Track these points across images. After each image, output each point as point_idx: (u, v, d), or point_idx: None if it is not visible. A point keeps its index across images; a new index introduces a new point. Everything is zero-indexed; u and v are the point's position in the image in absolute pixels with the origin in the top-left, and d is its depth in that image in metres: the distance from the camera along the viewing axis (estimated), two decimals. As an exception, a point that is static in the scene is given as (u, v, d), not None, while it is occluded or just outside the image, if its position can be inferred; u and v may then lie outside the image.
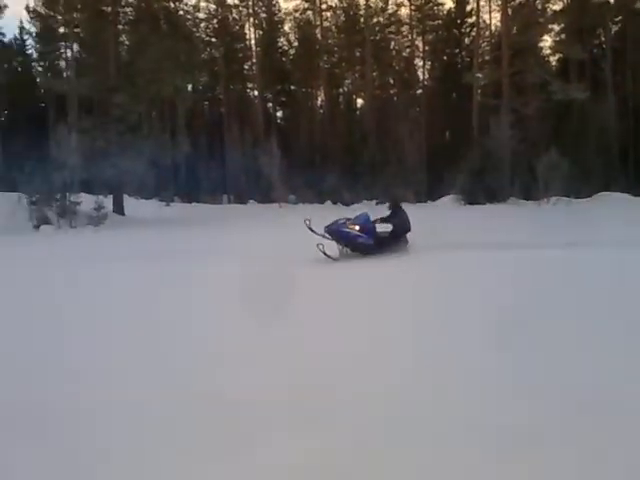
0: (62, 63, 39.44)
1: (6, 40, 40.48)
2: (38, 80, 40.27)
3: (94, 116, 25.90)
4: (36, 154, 21.55)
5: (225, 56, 40.53)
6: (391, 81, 43.41)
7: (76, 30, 33.57)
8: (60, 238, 17.91)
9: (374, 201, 31.35)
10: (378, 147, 33.93)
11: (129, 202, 25.93)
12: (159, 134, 30.12)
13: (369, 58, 39.04)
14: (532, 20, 31.29)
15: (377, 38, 41.02)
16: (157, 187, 30.69)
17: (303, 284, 7.04)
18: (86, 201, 22.21)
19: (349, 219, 10.10)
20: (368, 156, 33.00)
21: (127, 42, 29.57)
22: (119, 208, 24.61)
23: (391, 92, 43.41)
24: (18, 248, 15.03)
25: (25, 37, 41.52)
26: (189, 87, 37.39)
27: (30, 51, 42.21)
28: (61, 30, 36.69)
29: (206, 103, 44.64)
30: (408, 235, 10.70)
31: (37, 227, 20.64)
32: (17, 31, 41.69)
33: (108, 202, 23.82)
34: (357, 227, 9.94)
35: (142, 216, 23.83)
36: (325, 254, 9.60)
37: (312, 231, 9.85)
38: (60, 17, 35.84)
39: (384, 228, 10.51)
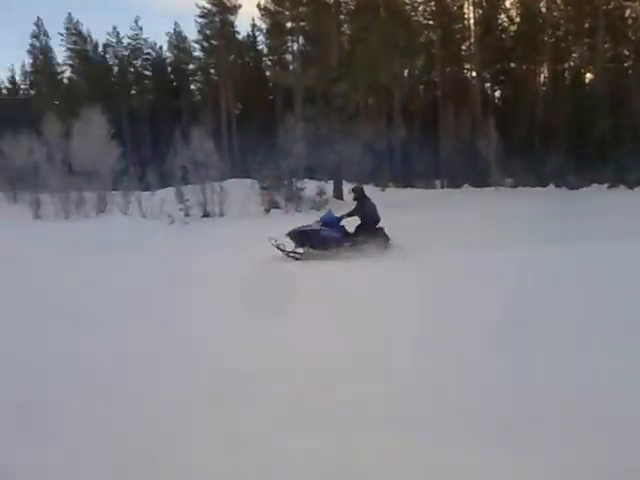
0: (289, 56, 42.12)
1: (240, 37, 44.58)
2: (268, 74, 43.64)
3: (317, 106, 27.33)
4: (266, 143, 23.44)
5: (442, 38, 39.91)
6: (626, 52, 39.01)
7: (302, 24, 35.66)
8: (289, 221, 19.13)
9: (605, 185, 28.62)
10: (610, 125, 30.76)
11: (347, 187, 26.87)
12: (375, 120, 30.83)
13: (601, 29, 35.54)
14: None
15: (610, 7, 37.15)
16: (372, 172, 31.42)
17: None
18: (309, 187, 23.55)
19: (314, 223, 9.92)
20: (598, 135, 30.09)
21: (348, 32, 30.59)
22: (338, 193, 25.72)
23: (625, 65, 39.04)
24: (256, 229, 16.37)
25: (256, 34, 45.21)
26: (405, 72, 37.59)
27: (260, 47, 45.86)
28: (288, 25, 39.12)
29: (421, 87, 44.41)
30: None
31: (267, 211, 22.47)
32: (249, 29, 45.66)
33: (328, 187, 24.99)
34: (320, 224, 9.78)
35: (359, 201, 24.54)
36: (288, 255, 9.58)
37: (281, 250, 9.65)
38: (287, 12, 38.29)
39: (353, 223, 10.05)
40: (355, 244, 9.70)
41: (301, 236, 9.67)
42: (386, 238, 9.86)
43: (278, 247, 9.64)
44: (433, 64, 40.98)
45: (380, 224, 10.13)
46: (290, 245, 9.85)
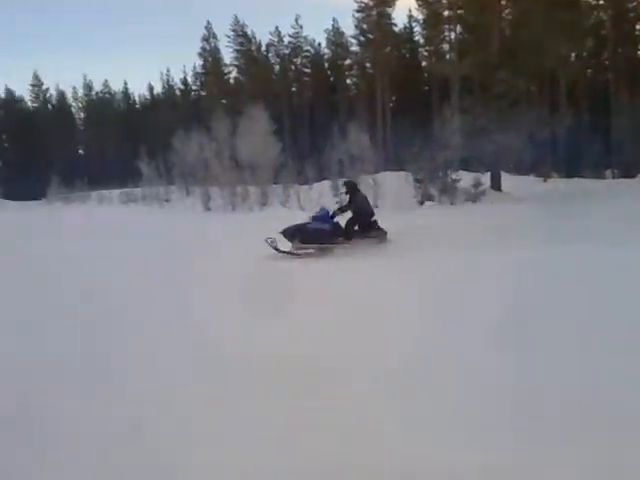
0: (445, 46, 41.39)
1: (396, 30, 44.59)
2: (424, 64, 43.22)
3: (474, 95, 26.51)
4: (421, 135, 23.21)
5: (614, 17, 36.87)
6: None
7: (459, 12, 34.80)
8: (442, 213, 18.75)
9: None
10: None
11: (505, 178, 25.83)
12: (538, 107, 29.20)
13: None
14: None
15: None
16: (534, 163, 29.84)
17: None
18: (464, 178, 22.96)
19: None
20: None
21: (509, 17, 29.21)
22: (496, 184, 24.76)
23: None
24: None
25: (413, 25, 45.01)
26: (572, 55, 35.22)
27: (417, 37, 45.57)
28: (445, 13, 38.45)
29: (589, 70, 41.32)
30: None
31: (421, 203, 22.28)
32: (406, 20, 45.63)
33: (485, 179, 24.16)
34: (311, 219, 9.97)
35: (519, 193, 23.50)
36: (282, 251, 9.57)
37: (277, 250, 9.49)
38: (445, 1, 37.68)
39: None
40: (350, 238, 9.83)
41: (292, 231, 9.78)
42: (383, 232, 9.95)
43: (275, 247, 9.67)
44: (603, 45, 38.04)
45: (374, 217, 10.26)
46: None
